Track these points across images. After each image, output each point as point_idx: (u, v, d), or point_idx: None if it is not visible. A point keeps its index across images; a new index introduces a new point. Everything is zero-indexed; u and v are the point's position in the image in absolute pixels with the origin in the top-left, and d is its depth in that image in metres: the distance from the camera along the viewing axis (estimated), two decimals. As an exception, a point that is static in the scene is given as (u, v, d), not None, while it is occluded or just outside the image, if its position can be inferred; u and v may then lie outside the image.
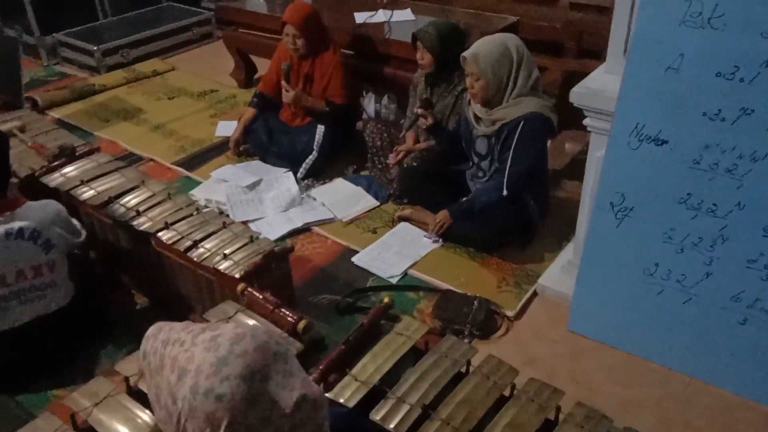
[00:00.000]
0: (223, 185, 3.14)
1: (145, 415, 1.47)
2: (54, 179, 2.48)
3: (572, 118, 3.35)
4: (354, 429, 1.13)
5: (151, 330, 0.98)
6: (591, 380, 2.16)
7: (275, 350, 0.92)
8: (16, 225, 2.01)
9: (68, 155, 2.59)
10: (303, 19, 3.15)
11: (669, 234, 2.02)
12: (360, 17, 3.76)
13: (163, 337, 0.95)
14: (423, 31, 2.85)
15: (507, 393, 1.56)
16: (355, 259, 2.72)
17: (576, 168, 3.27)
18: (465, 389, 1.54)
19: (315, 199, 3.11)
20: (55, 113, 3.95)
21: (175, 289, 2.31)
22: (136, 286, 2.52)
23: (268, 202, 3.06)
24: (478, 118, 2.65)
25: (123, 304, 2.48)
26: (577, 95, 2.13)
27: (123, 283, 2.54)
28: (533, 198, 2.69)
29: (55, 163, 2.56)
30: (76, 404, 1.50)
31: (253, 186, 3.14)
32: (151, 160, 3.49)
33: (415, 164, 3.01)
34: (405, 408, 1.48)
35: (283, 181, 3.18)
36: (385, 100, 3.63)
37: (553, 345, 2.30)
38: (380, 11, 3.82)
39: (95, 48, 4.54)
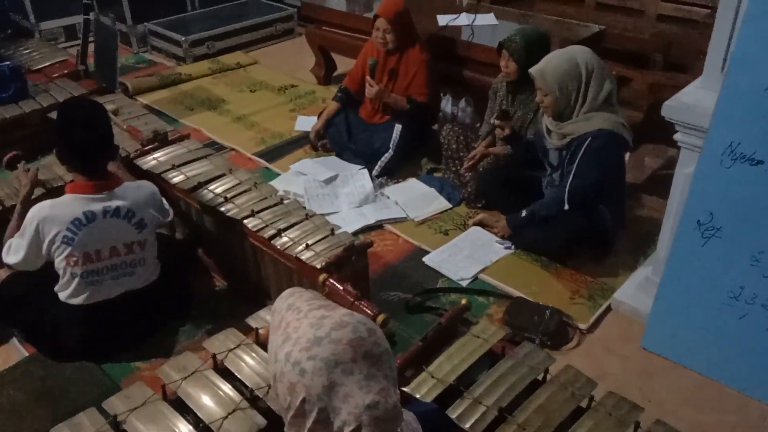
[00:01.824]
0: (301, 178, 3.23)
1: (231, 392, 1.54)
2: (147, 162, 2.61)
3: (654, 133, 3.30)
4: (441, 426, 1.15)
5: (285, 292, 1.05)
6: (663, 401, 2.11)
7: (368, 349, 0.94)
8: (114, 204, 2.12)
9: (161, 140, 2.72)
10: (396, 13, 3.20)
11: (757, 257, 1.96)
12: (443, 19, 3.78)
13: (290, 302, 1.01)
14: (510, 39, 2.84)
15: (584, 404, 1.55)
16: (426, 259, 2.74)
17: (655, 183, 3.21)
18: (542, 396, 1.54)
19: (388, 198, 3.15)
20: (143, 99, 4.13)
21: (255, 274, 2.39)
22: (217, 270, 2.62)
23: (343, 198, 3.12)
24: (549, 131, 2.64)
25: (203, 286, 2.58)
26: (669, 109, 2.09)
27: (204, 266, 2.64)
28: (609, 211, 2.65)
29: (149, 146, 2.68)
30: (167, 376, 1.58)
31: (329, 181, 3.21)
32: (233, 149, 3.61)
33: (491, 167, 3.00)
34: (481, 409, 1.50)
35: (359, 178, 3.23)
36: (462, 103, 3.65)
37: (625, 361, 2.26)
38: (463, 14, 3.83)
39: (183, 38, 4.73)
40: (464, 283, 2.59)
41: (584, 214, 2.59)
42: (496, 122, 2.82)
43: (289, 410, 0.93)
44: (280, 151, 3.60)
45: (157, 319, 2.34)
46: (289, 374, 0.92)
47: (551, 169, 2.73)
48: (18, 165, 2.37)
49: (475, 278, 2.63)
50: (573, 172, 2.52)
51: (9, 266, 2.18)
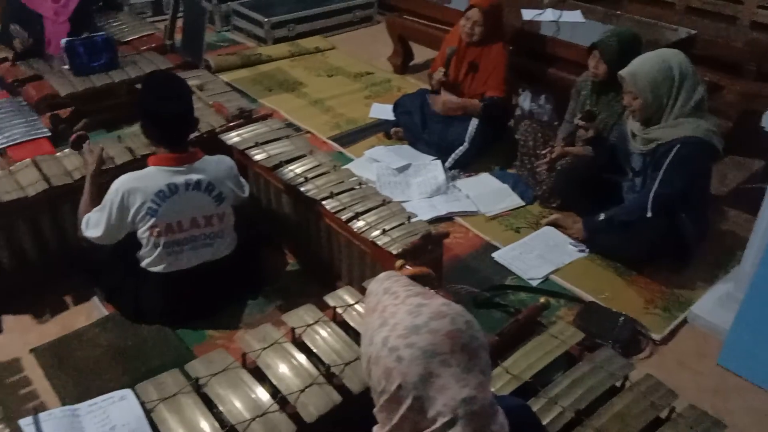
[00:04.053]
0: (374, 165, 3.25)
1: (309, 366, 1.57)
2: (231, 138, 2.67)
3: (739, 145, 3.17)
4: (528, 422, 1.14)
5: (381, 275, 1.05)
6: (737, 422, 2.03)
7: (465, 342, 0.94)
8: (194, 177, 2.17)
9: (245, 117, 2.78)
10: (490, 5, 3.18)
11: None
12: (527, 14, 3.72)
13: (387, 285, 1.02)
14: (604, 42, 2.76)
15: (663, 415, 1.51)
16: (495, 255, 2.72)
17: (739, 197, 3.08)
18: (620, 403, 1.51)
19: (460, 190, 3.14)
20: (224, 77, 4.21)
21: (327, 255, 2.43)
22: (290, 248, 2.67)
23: (414, 187, 3.12)
24: (634, 135, 2.56)
25: (276, 263, 2.63)
26: (772, 120, 2.01)
27: (278, 244, 2.69)
28: (690, 221, 2.56)
29: (233, 123, 2.75)
30: (247, 346, 1.63)
31: (402, 169, 3.22)
32: (308, 132, 3.66)
33: (569, 167, 2.94)
34: (557, 410, 1.48)
35: (431, 169, 3.23)
36: (541, 99, 3.58)
37: (699, 377, 2.19)
38: (549, 10, 3.76)
39: (266, 20, 4.81)
40: (534, 283, 2.56)
41: (665, 223, 2.51)
42: (581, 123, 2.75)
43: (383, 394, 0.93)
44: (354, 136, 3.63)
45: (231, 290, 2.40)
46: (386, 359, 0.92)
47: (632, 174, 2.66)
48: (83, 145, 2.41)
49: (546, 279, 2.59)
50: (659, 178, 2.44)
51: (88, 240, 2.22)
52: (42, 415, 1.39)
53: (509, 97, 3.40)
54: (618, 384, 1.58)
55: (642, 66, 2.44)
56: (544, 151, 3.01)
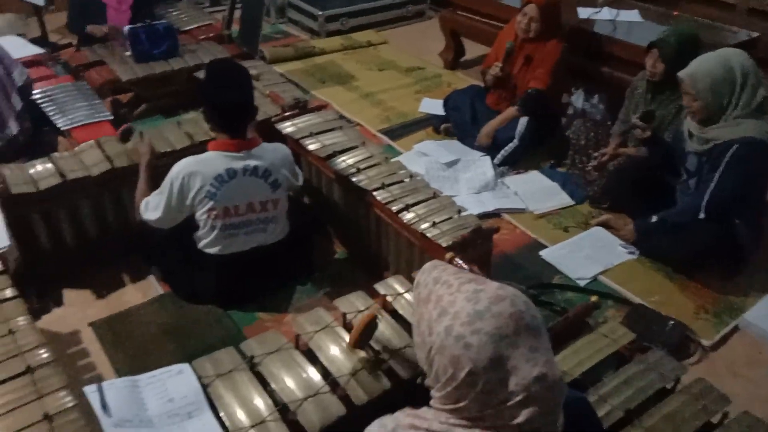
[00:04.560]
0: (423, 159, 3.26)
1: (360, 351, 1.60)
2: (286, 127, 2.72)
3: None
4: (585, 414, 1.14)
5: (427, 265, 1.07)
6: (790, 432, 1.99)
7: (528, 322, 0.95)
8: (252, 163, 2.23)
9: (300, 107, 2.83)
10: (547, 2, 3.16)
11: None
12: (583, 13, 3.68)
13: (436, 275, 1.03)
14: (663, 40, 2.72)
15: (715, 420, 1.50)
16: (543, 253, 2.71)
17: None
18: (671, 405, 1.50)
19: (508, 187, 3.13)
20: (278, 68, 4.29)
21: (375, 245, 2.46)
22: (338, 237, 2.72)
23: (463, 182, 3.13)
24: (691, 134, 2.51)
25: (325, 251, 2.68)
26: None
27: (327, 232, 2.74)
28: (744, 225, 2.50)
29: (289, 112, 2.80)
30: (300, 328, 1.67)
31: (451, 164, 3.23)
32: (358, 124, 3.70)
33: (622, 168, 2.90)
34: (606, 408, 1.48)
35: (480, 164, 3.23)
36: (595, 98, 3.54)
37: (750, 385, 2.15)
38: (605, 9, 3.71)
39: (320, 13, 4.87)
40: (582, 283, 2.54)
41: (719, 227, 2.46)
42: (639, 123, 2.71)
43: (451, 382, 0.94)
44: (403, 130, 3.66)
45: (282, 275, 2.45)
46: (452, 348, 0.94)
47: (687, 175, 2.61)
48: (130, 137, 2.52)
49: (594, 279, 2.57)
50: (715, 180, 2.39)
51: (146, 223, 2.29)
52: (105, 384, 1.45)
53: (554, 92, 3.35)
54: (669, 386, 1.57)
55: (701, 67, 2.38)
56: (596, 153, 2.98)
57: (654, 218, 2.59)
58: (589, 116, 3.43)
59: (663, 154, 2.74)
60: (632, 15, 3.66)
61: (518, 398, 0.91)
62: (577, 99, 3.60)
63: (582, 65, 3.47)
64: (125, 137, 2.52)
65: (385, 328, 1.68)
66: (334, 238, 2.73)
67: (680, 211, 2.56)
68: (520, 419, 0.92)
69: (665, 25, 3.45)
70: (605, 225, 2.83)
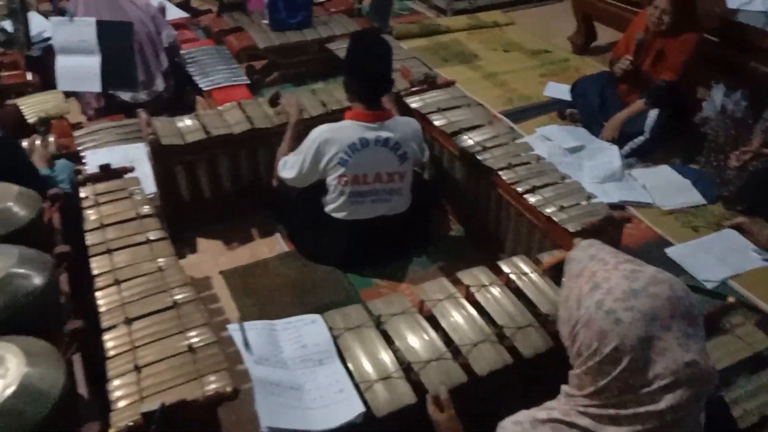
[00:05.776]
0: (546, 143, 3.21)
1: (482, 323, 1.62)
2: (414, 102, 2.76)
3: None
4: (726, 416, 1.12)
5: (583, 242, 1.08)
6: None
7: (686, 309, 0.94)
8: (384, 134, 2.28)
9: (429, 83, 2.86)
10: None
11: None
12: (733, 2, 3.44)
13: (592, 252, 1.04)
14: None
15: None
16: (669, 250, 2.60)
17: None
18: (811, 416, 1.42)
19: (636, 180, 3.02)
20: (403, 44, 4.33)
21: (494, 225, 2.46)
22: (455, 214, 2.74)
23: (586, 170, 3.05)
24: None
25: (441, 227, 2.72)
26: None
27: (444, 209, 2.77)
28: None
29: (417, 88, 2.83)
30: (425, 295, 1.71)
31: (574, 150, 3.15)
32: (480, 104, 3.67)
33: (764, 169, 2.73)
34: (739, 410, 1.42)
35: (607, 154, 3.13)
36: (737, 95, 3.32)
37: None
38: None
39: (448, -9, 4.86)
40: (709, 285, 2.42)
41: None
42: None
43: (594, 356, 0.94)
44: (526, 113, 3.60)
45: (400, 246, 2.52)
46: (602, 322, 0.94)
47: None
48: (278, 102, 2.64)
49: (723, 283, 2.44)
50: None
51: (280, 180, 2.42)
52: (247, 324, 1.56)
53: (686, 84, 3.18)
54: (809, 397, 1.48)
55: None
56: (737, 152, 2.81)
57: None
58: (729, 113, 3.23)
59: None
60: (789, 7, 3.39)
61: (664, 382, 0.89)
62: (717, 94, 3.39)
63: (726, 58, 3.27)
64: (274, 102, 2.66)
65: (508, 304, 1.69)
66: (450, 214, 2.75)
67: None
68: (663, 404, 0.91)
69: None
70: (739, 228, 2.67)
